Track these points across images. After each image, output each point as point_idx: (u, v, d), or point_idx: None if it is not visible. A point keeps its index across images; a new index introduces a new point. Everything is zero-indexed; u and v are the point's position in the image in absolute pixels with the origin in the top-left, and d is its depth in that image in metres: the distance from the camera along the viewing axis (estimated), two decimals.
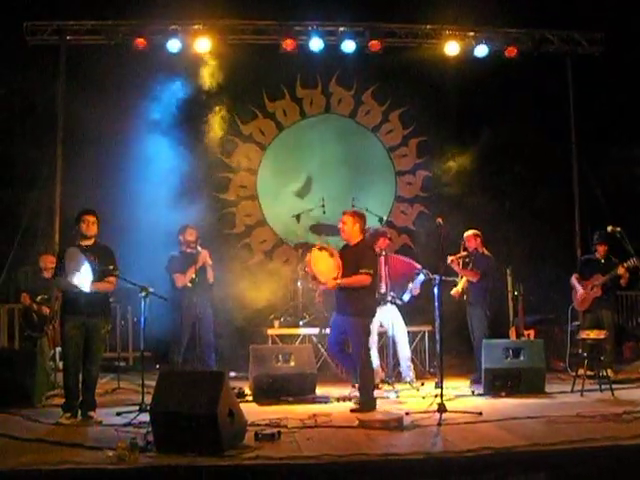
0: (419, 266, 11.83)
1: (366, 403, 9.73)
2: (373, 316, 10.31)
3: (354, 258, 9.88)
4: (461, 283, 12.28)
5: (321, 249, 10.12)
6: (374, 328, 11.71)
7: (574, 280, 12.57)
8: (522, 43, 15.43)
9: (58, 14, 14.34)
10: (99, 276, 9.10)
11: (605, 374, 11.00)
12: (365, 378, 9.92)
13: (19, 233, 13.50)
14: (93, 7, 14.28)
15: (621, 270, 11.79)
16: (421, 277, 11.77)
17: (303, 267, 10.11)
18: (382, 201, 16.49)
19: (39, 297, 11.20)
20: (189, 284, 11.13)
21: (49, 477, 6.63)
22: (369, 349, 10.39)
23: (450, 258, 11.91)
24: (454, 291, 12.27)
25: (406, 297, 11.83)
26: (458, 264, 12.03)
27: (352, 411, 9.56)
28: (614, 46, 15.40)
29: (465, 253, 12.16)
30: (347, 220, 10.12)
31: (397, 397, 10.86)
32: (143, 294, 9.71)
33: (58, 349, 11.32)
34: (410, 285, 11.81)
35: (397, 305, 11.77)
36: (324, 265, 9.98)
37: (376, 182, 16.58)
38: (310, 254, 10.21)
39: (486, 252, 12.20)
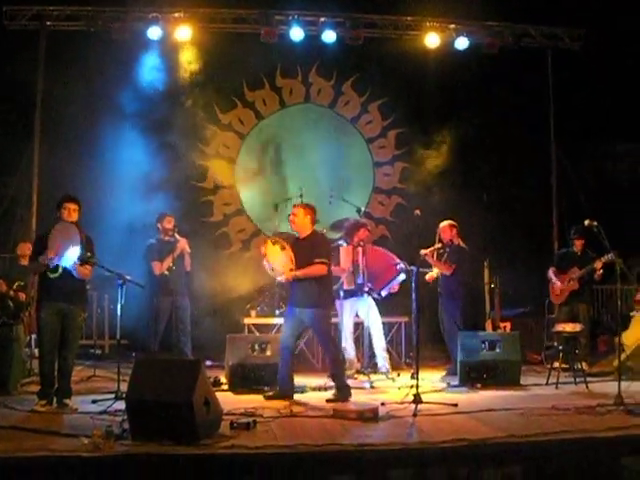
0: (398, 260, 11.83)
1: (341, 391, 9.76)
2: (333, 305, 10.34)
3: (308, 249, 9.86)
4: (436, 269, 12.26)
5: (274, 242, 10.10)
6: (350, 319, 11.74)
7: (551, 273, 12.63)
8: (503, 37, 15.47)
9: None
10: (79, 259, 9.08)
11: (580, 367, 11.08)
12: (338, 367, 9.96)
13: None
14: None
15: (598, 265, 11.84)
16: (402, 276, 11.78)
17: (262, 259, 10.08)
18: (360, 192, 16.52)
19: (15, 284, 11.15)
20: (166, 272, 11.11)
21: (24, 464, 6.61)
22: (335, 338, 10.41)
23: (423, 252, 11.86)
24: (429, 276, 12.22)
25: (384, 293, 11.85)
26: (432, 256, 12.02)
27: (328, 401, 9.57)
28: (594, 42, 15.46)
29: (439, 245, 12.11)
30: (298, 212, 10.09)
31: (372, 388, 10.89)
32: (120, 282, 9.69)
33: (34, 336, 11.27)
34: (392, 284, 11.82)
35: (373, 296, 11.78)
36: (277, 258, 9.99)
37: (354, 173, 16.60)
38: (264, 247, 10.21)
39: (461, 243, 12.19)
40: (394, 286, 11.90)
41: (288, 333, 10.14)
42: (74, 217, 9.20)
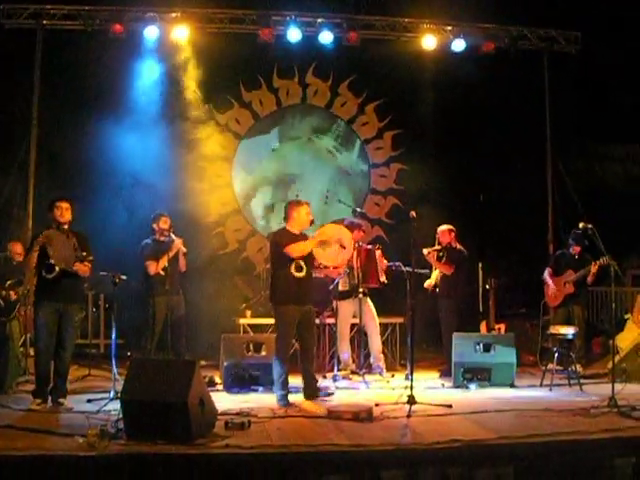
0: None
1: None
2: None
3: None
4: (434, 276, 12.33)
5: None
6: (346, 320, 11.76)
7: (546, 275, 12.61)
8: (499, 39, 15.47)
9: None
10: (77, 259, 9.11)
11: (574, 369, 11.11)
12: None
13: None
14: None
15: (594, 268, 11.81)
16: (378, 252, 11.82)
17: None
18: (356, 193, 16.60)
19: (8, 282, 11.14)
20: (162, 272, 11.10)
21: (19, 463, 6.63)
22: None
23: (426, 250, 11.98)
24: (427, 284, 12.33)
25: (382, 278, 11.82)
26: (433, 257, 12.09)
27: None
28: (590, 45, 15.49)
29: (439, 247, 12.21)
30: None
31: (367, 388, 10.91)
32: (116, 281, 9.72)
33: (29, 335, 11.28)
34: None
35: (369, 297, 11.79)
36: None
37: (350, 174, 16.65)
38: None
39: (459, 246, 12.24)
40: (382, 265, 11.88)
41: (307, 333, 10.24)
42: (67, 216, 9.24)
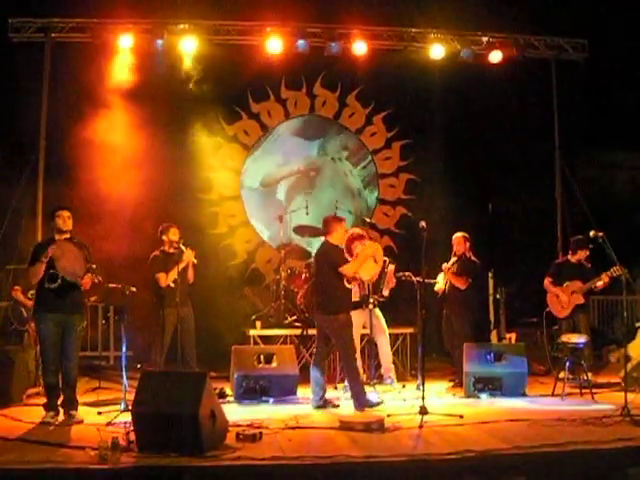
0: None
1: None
2: None
3: None
4: (442, 279, 12.24)
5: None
6: (356, 330, 11.73)
7: (549, 284, 12.42)
8: (507, 48, 15.44)
9: (43, 11, 14.25)
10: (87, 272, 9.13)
11: (586, 378, 11.07)
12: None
13: (2, 230, 13.42)
14: (79, 5, 14.21)
15: (605, 278, 11.71)
16: (391, 267, 11.81)
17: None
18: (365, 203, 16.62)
19: (29, 292, 11.17)
20: (172, 284, 11.08)
21: (30, 477, 6.63)
22: None
23: (445, 266, 11.95)
24: (437, 287, 12.22)
25: (386, 293, 11.82)
26: (452, 272, 12.03)
27: None
28: (597, 53, 15.49)
29: (455, 259, 12.15)
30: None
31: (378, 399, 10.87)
32: (126, 293, 9.73)
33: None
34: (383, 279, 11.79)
35: (379, 307, 11.76)
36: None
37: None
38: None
39: (473, 257, 12.19)
40: (390, 280, 11.87)
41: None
42: (69, 225, 9.30)
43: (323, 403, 10.19)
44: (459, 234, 12.23)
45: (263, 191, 16.26)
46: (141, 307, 11.06)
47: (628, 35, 15.20)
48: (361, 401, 10.00)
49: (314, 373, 10.32)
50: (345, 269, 10.15)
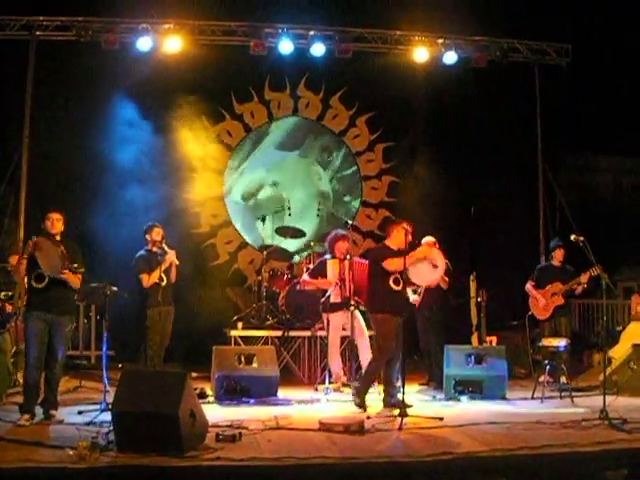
0: None
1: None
2: None
3: None
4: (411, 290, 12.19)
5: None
6: (336, 332, 11.74)
7: (530, 287, 12.53)
8: (491, 52, 15.50)
9: (28, 9, 14.20)
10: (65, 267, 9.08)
11: (565, 381, 11.11)
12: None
13: None
14: (64, 3, 14.19)
15: (584, 278, 11.82)
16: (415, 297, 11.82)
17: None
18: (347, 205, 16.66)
19: (2, 293, 11.12)
20: (159, 281, 11.03)
21: (9, 476, 6.60)
22: None
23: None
24: (412, 299, 12.10)
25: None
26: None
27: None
28: (580, 58, 15.57)
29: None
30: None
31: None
32: (107, 293, 9.70)
33: (20, 346, 11.24)
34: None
35: (359, 309, 11.76)
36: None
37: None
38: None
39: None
40: (415, 300, 11.87)
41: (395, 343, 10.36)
42: (58, 227, 9.24)
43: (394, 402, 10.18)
44: (428, 239, 12.11)
45: (245, 204, 16.29)
46: (124, 306, 11.00)
47: (610, 40, 15.29)
48: (362, 398, 10.19)
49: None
50: (387, 263, 10.17)
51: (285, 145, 16.62)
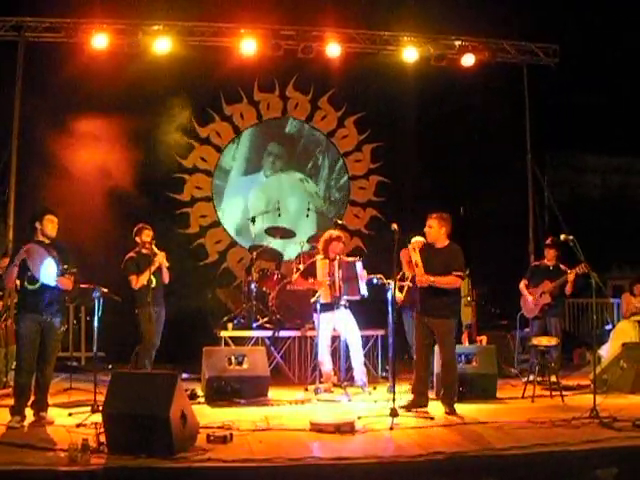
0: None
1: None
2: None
3: (444, 259, 10.10)
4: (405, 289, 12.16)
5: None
6: (327, 332, 11.72)
7: (522, 286, 12.61)
8: (479, 52, 15.53)
9: (17, 10, 14.17)
10: (59, 273, 9.05)
11: (555, 380, 11.13)
12: (454, 378, 10.09)
13: None
14: (53, 4, 14.16)
15: (571, 276, 11.87)
16: (359, 265, 11.75)
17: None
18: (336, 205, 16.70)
19: None
20: (152, 283, 11.01)
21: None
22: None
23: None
24: (397, 297, 12.02)
25: (363, 291, 11.69)
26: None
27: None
28: (568, 58, 15.62)
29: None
30: (433, 224, 10.41)
31: (349, 401, 10.88)
32: (97, 294, 9.69)
33: (11, 347, 11.21)
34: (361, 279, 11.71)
35: (351, 309, 11.75)
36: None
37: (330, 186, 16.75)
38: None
39: None
40: (362, 276, 11.76)
41: (423, 343, 10.21)
42: (55, 231, 9.21)
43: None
44: (419, 239, 12.04)
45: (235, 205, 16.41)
46: (114, 308, 10.99)
47: (599, 40, 15.33)
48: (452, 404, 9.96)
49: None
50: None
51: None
